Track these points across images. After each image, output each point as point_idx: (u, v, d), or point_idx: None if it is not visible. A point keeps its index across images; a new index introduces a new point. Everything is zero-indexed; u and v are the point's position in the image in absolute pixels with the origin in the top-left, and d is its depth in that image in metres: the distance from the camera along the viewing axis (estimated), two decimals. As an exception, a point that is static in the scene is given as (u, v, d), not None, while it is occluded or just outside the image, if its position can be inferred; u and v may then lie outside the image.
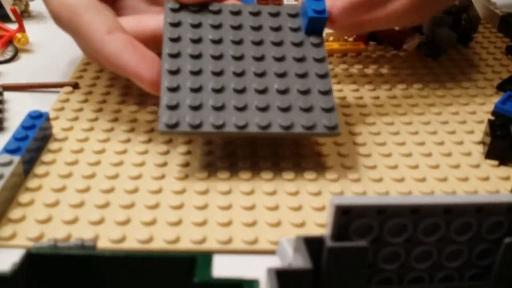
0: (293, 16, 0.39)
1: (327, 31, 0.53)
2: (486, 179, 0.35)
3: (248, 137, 0.36)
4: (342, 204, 0.20)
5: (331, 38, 0.53)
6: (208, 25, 0.38)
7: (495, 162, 0.36)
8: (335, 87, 0.46)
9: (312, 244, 0.20)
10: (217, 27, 0.38)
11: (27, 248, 0.19)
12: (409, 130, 0.40)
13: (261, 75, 0.36)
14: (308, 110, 0.34)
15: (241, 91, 0.35)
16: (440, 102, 0.44)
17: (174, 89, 0.34)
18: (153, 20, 0.39)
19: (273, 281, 0.18)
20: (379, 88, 0.46)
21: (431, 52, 0.52)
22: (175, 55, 0.36)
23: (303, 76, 0.36)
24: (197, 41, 0.37)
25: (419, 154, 0.37)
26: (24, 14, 0.59)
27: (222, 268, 0.21)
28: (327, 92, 0.36)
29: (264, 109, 0.34)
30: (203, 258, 0.18)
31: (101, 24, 0.36)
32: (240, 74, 0.36)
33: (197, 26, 0.38)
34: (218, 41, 0.37)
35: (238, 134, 0.34)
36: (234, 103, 0.34)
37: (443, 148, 0.38)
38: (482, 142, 0.38)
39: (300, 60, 0.37)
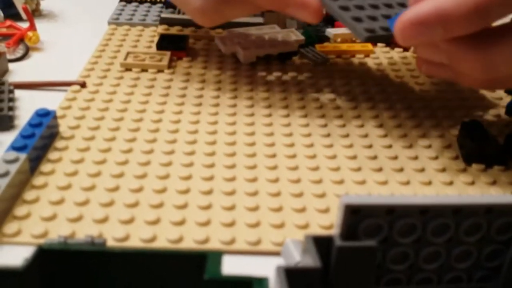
0: None
1: (334, 32, 0.53)
2: (494, 183, 0.35)
3: None
4: (352, 204, 0.20)
5: (339, 40, 0.53)
6: None
7: (501, 167, 0.36)
8: (342, 89, 0.46)
9: (321, 243, 0.20)
10: None
11: (38, 244, 0.19)
12: (416, 134, 0.40)
13: None
14: None
15: None
16: (447, 105, 0.44)
17: (346, 8, 0.37)
18: None
19: (282, 279, 0.18)
20: (387, 89, 0.46)
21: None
22: None
23: None
24: None
25: (426, 158, 0.37)
26: (35, 13, 0.59)
27: (224, 268, 0.21)
28: None
29: None
30: (213, 256, 0.18)
31: None
32: None
33: None
34: None
35: None
36: None
37: (450, 152, 0.38)
38: (460, 146, 0.38)
39: None
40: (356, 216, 0.20)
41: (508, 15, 0.29)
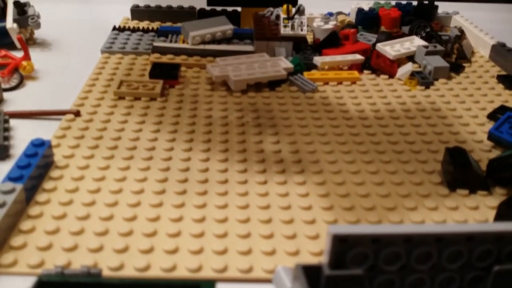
0: None
1: (322, 60, 0.55)
2: (477, 208, 0.36)
3: None
4: (339, 233, 0.21)
5: (326, 67, 0.55)
6: None
7: (484, 192, 0.37)
8: (328, 115, 0.47)
9: (310, 272, 0.21)
10: None
11: (37, 276, 0.19)
12: (401, 159, 0.41)
13: None
14: None
15: None
16: (431, 131, 0.46)
17: None
18: None
19: (273, 308, 0.19)
20: (372, 117, 0.48)
21: (423, 81, 0.54)
22: None
23: None
24: None
25: (411, 183, 0.38)
26: (29, 42, 0.61)
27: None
28: None
29: None
30: (206, 286, 0.19)
31: None
32: None
33: None
34: None
35: None
36: None
37: (433, 177, 0.39)
38: (444, 172, 0.39)
39: None
40: (344, 245, 0.21)
41: None
